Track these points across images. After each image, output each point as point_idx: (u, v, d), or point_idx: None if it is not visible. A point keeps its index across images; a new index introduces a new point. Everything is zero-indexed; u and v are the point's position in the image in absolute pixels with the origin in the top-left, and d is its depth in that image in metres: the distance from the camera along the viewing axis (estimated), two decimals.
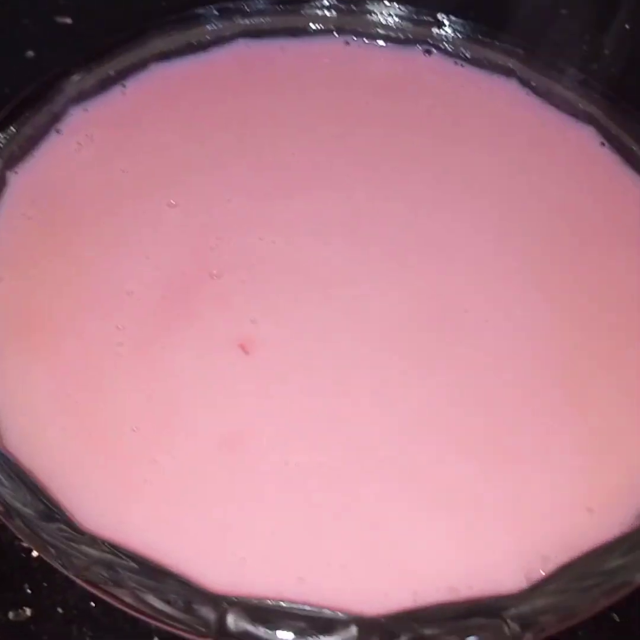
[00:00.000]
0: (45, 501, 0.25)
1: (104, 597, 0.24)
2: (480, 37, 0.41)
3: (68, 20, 0.59)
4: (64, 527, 0.24)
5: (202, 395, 0.30)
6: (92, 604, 0.38)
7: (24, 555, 0.39)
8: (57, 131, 0.36)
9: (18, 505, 0.24)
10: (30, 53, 0.57)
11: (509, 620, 0.24)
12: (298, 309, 0.33)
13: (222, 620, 0.23)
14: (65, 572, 0.24)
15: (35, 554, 0.39)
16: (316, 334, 0.32)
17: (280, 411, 0.30)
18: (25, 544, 0.39)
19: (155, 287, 0.33)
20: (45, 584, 0.38)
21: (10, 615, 0.37)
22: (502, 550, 0.27)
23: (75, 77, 0.36)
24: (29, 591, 0.38)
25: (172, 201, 0.35)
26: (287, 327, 0.32)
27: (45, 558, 0.24)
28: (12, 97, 0.35)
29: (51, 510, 0.25)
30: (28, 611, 0.37)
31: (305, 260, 0.34)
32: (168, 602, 0.23)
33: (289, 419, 0.30)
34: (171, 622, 0.23)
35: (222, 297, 0.33)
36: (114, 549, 0.24)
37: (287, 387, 0.31)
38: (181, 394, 0.30)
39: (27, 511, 0.24)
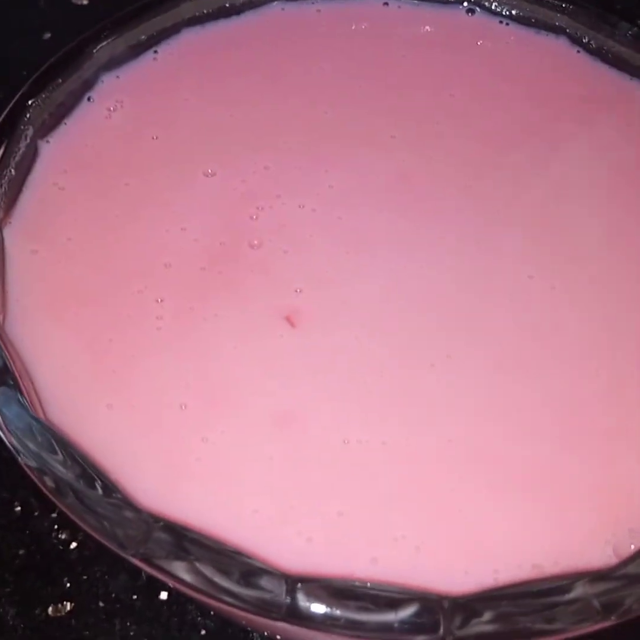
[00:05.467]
0: (98, 477, 0.23)
1: (165, 577, 0.22)
2: None
3: (84, 2, 0.58)
4: (120, 503, 0.22)
5: (250, 370, 0.29)
6: (135, 596, 0.36)
7: (62, 547, 0.37)
8: (89, 99, 0.35)
9: (71, 481, 0.22)
10: (47, 35, 0.56)
11: (595, 600, 0.22)
12: (344, 279, 0.31)
13: (293, 600, 0.21)
14: (121, 552, 0.22)
15: (73, 545, 0.37)
16: (365, 304, 0.31)
17: (335, 387, 0.29)
18: (63, 536, 0.37)
19: (193, 259, 0.31)
20: (85, 577, 0.37)
21: (50, 610, 0.36)
22: (588, 525, 0.26)
23: (106, 42, 0.34)
24: (68, 585, 0.36)
25: (209, 170, 0.34)
26: (334, 298, 0.31)
27: (98, 537, 0.22)
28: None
29: (106, 486, 0.23)
30: (68, 605, 0.36)
31: (347, 227, 0.33)
32: (235, 582, 0.21)
33: (344, 395, 0.29)
34: (239, 603, 0.21)
35: (264, 268, 0.31)
36: (175, 526, 0.22)
37: (340, 361, 0.29)
38: (228, 369, 0.29)
39: (80, 487, 0.22)
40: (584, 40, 0.38)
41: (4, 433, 0.24)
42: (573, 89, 0.38)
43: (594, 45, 0.38)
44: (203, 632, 0.35)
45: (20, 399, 0.24)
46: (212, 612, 0.36)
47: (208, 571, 0.21)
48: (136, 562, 0.22)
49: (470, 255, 0.32)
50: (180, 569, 0.22)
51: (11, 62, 0.55)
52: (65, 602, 0.36)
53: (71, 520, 0.37)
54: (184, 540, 0.22)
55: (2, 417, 0.24)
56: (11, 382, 0.25)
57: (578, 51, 0.39)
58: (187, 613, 0.36)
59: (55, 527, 0.38)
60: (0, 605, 0.36)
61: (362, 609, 0.22)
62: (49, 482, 0.23)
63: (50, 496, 0.23)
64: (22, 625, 0.35)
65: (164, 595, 0.36)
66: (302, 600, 0.22)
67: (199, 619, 0.36)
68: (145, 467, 0.26)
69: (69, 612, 0.36)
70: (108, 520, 0.22)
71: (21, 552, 0.37)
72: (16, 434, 0.24)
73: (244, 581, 0.22)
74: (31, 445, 0.23)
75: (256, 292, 0.30)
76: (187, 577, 0.22)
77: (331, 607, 0.21)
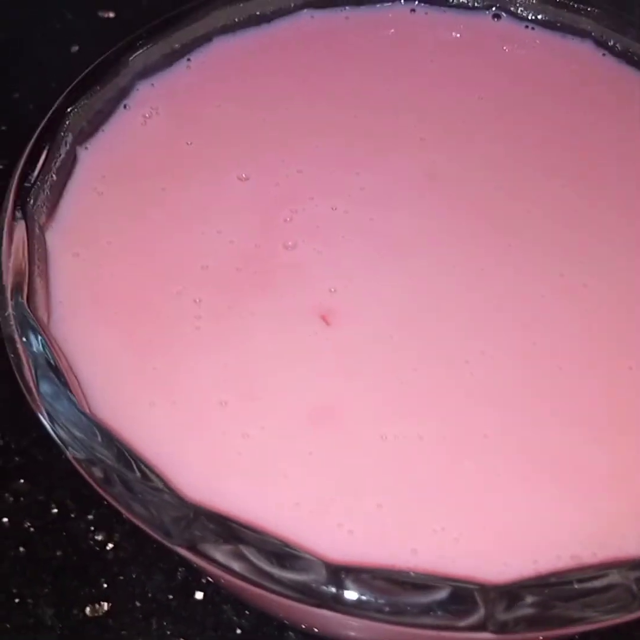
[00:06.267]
0: (144, 468, 0.23)
1: (211, 566, 0.22)
2: None
3: (111, 14, 0.59)
4: (166, 493, 0.23)
5: (287, 368, 0.29)
6: (171, 596, 0.37)
7: (98, 548, 0.38)
8: (125, 106, 0.36)
9: (119, 471, 0.23)
10: (74, 48, 0.57)
11: (633, 586, 0.22)
12: (378, 278, 0.32)
13: (338, 588, 0.22)
14: (167, 541, 0.22)
15: (110, 546, 0.38)
16: (399, 303, 0.31)
17: (371, 383, 0.29)
18: (99, 537, 0.38)
19: (229, 261, 0.32)
20: (121, 578, 0.37)
21: (88, 610, 0.36)
22: (625, 516, 0.26)
23: (140, 51, 0.35)
24: (105, 585, 0.37)
25: (243, 175, 0.34)
26: (368, 297, 0.31)
27: (144, 525, 0.23)
28: (59, 91, 0.35)
29: (151, 477, 0.23)
30: (105, 606, 0.36)
31: (380, 228, 0.33)
32: (281, 569, 0.22)
33: (380, 391, 0.29)
34: (285, 591, 0.22)
35: (298, 268, 0.32)
36: (220, 515, 0.23)
37: (375, 358, 0.30)
38: (266, 367, 0.29)
39: (128, 477, 0.23)
40: (609, 44, 0.39)
41: (53, 427, 0.24)
42: (599, 92, 0.38)
43: (619, 48, 0.39)
44: (238, 631, 0.36)
45: (69, 395, 0.25)
46: (247, 611, 0.36)
47: (255, 557, 0.22)
48: (182, 551, 0.23)
49: (502, 254, 0.32)
50: (227, 555, 0.22)
51: (40, 74, 0.56)
52: (102, 603, 0.37)
53: (107, 522, 0.38)
54: (229, 529, 0.23)
55: (52, 411, 0.24)
56: (60, 379, 0.25)
57: (603, 54, 0.39)
58: (223, 612, 0.36)
59: (92, 528, 0.38)
60: (38, 606, 0.36)
61: (405, 597, 0.22)
62: (97, 473, 0.23)
63: (98, 487, 0.24)
64: (60, 626, 0.36)
65: (199, 595, 0.37)
66: (347, 588, 0.22)
67: (234, 618, 0.36)
68: (188, 462, 0.26)
69: (106, 612, 0.36)
70: (155, 508, 0.23)
71: (58, 553, 0.38)
72: (66, 427, 0.24)
73: (289, 569, 0.22)
74: (80, 438, 0.24)
75: (291, 291, 0.31)
76: (234, 564, 0.22)
77: (375, 595, 0.22)
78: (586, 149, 0.36)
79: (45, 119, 0.32)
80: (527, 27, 0.40)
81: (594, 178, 0.35)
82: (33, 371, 0.25)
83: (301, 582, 0.22)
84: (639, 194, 0.34)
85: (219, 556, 0.22)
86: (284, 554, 0.22)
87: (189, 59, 0.38)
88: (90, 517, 0.38)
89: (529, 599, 0.22)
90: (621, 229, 0.33)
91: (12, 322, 0.27)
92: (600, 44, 0.39)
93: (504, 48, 0.40)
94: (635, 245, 0.33)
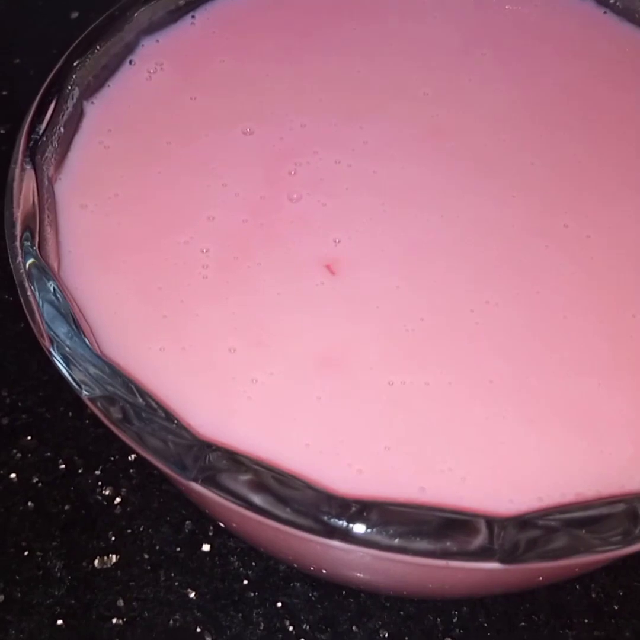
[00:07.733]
0: (159, 407, 0.24)
1: (226, 501, 0.23)
2: None
3: None
4: (182, 430, 0.23)
5: (294, 316, 0.30)
6: (178, 548, 0.37)
7: (106, 503, 0.38)
8: (130, 62, 0.36)
9: (136, 409, 0.23)
10: (74, 14, 0.57)
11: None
12: (382, 229, 0.32)
13: (350, 520, 0.22)
14: (183, 476, 0.23)
15: (117, 500, 0.38)
16: (403, 253, 0.31)
17: (376, 331, 0.30)
18: (107, 492, 0.38)
19: (235, 212, 0.32)
20: (129, 531, 0.38)
21: (96, 562, 0.37)
22: (627, 455, 0.26)
23: (145, 7, 0.35)
24: (113, 538, 0.38)
25: (247, 129, 0.34)
26: (372, 247, 0.31)
27: (162, 462, 0.23)
28: (59, 57, 0.35)
29: (167, 415, 0.24)
30: (114, 558, 0.37)
31: (382, 181, 0.33)
32: (296, 502, 0.22)
33: (387, 339, 0.29)
34: (300, 520, 0.22)
35: (303, 220, 0.32)
36: (234, 451, 0.23)
37: (380, 307, 0.30)
38: (273, 315, 0.30)
39: (146, 415, 0.23)
40: (610, 1, 0.39)
41: (68, 369, 0.25)
42: (601, 50, 0.38)
43: (620, 6, 0.39)
44: (245, 582, 0.36)
45: (83, 337, 0.25)
46: (254, 563, 0.37)
47: (273, 488, 0.22)
48: (198, 487, 0.23)
49: (506, 205, 0.32)
50: (245, 486, 0.23)
51: (41, 41, 0.56)
52: (110, 555, 0.37)
53: (115, 477, 0.38)
54: (244, 463, 0.23)
55: (67, 352, 0.25)
56: (74, 322, 0.25)
57: (605, 12, 0.39)
58: (229, 564, 0.37)
59: (99, 483, 0.39)
60: (48, 559, 0.37)
61: (414, 526, 0.22)
62: (114, 411, 0.24)
63: (113, 426, 0.24)
64: (69, 577, 0.37)
65: (206, 547, 0.37)
66: (358, 519, 0.22)
67: (241, 569, 0.37)
68: (198, 406, 0.27)
69: (115, 564, 0.37)
70: (172, 443, 0.23)
71: (66, 507, 0.38)
72: (82, 367, 0.24)
73: (302, 500, 0.23)
74: (96, 376, 0.24)
75: (296, 242, 0.31)
76: (253, 496, 0.22)
77: (385, 524, 0.22)
78: (589, 104, 0.36)
79: (52, 73, 0.32)
80: None
81: (597, 131, 0.35)
82: (46, 315, 0.26)
83: (314, 513, 0.22)
84: (639, 150, 0.34)
85: (238, 488, 0.23)
86: (297, 486, 0.23)
87: (193, 16, 0.38)
88: (97, 472, 0.39)
89: (535, 526, 0.22)
90: (623, 180, 0.33)
91: (23, 269, 0.27)
92: (601, 1, 0.39)
93: (507, 6, 0.40)
94: (637, 195, 0.33)
